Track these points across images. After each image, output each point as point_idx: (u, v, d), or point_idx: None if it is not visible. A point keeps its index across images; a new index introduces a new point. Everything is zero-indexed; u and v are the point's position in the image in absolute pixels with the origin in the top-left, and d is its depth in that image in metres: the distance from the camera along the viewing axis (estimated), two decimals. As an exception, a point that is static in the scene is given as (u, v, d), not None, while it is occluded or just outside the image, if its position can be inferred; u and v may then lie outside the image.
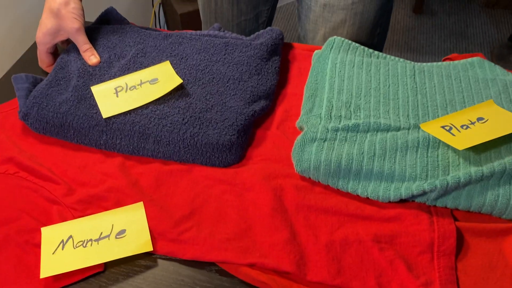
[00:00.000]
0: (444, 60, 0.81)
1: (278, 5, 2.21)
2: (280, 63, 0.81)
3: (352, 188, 0.63)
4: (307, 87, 0.74)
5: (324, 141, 0.64)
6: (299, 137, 0.66)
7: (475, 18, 2.15)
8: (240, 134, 0.69)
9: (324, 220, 0.62)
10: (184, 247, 0.60)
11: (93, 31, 0.82)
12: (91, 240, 0.60)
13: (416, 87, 0.71)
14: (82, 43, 0.77)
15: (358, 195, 0.63)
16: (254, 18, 1.02)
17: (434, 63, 0.76)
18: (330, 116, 0.68)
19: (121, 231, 0.61)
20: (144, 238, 0.60)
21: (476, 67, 0.75)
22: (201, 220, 0.62)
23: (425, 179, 0.60)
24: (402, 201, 0.63)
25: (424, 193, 0.60)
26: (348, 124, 0.66)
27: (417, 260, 0.58)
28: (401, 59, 0.77)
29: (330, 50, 0.76)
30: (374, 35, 0.91)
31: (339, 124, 0.66)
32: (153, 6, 1.97)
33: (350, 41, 0.78)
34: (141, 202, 0.63)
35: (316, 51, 0.81)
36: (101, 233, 0.60)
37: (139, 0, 1.92)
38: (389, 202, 0.62)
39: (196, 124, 0.68)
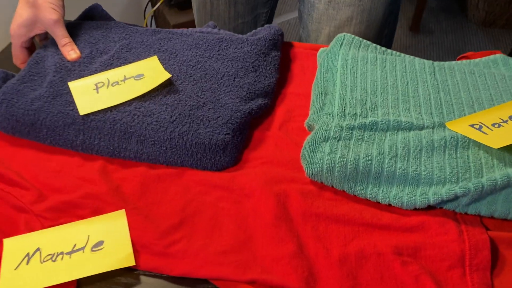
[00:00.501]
0: (459, 59, 0.75)
1: (278, 21, 2.16)
2: (281, 61, 0.74)
3: (372, 193, 0.55)
4: (316, 84, 0.67)
5: (338, 140, 0.57)
6: (309, 137, 0.58)
7: (472, 36, 2.12)
8: (236, 133, 0.61)
9: (336, 230, 0.54)
10: (172, 262, 0.51)
11: (74, 27, 0.75)
12: (62, 253, 0.51)
13: (438, 84, 0.65)
14: (61, 36, 0.69)
15: (376, 202, 0.55)
16: (252, 21, 0.96)
17: (453, 61, 0.70)
18: (344, 114, 0.60)
19: (98, 242, 0.52)
20: (125, 251, 0.51)
21: (499, 64, 0.68)
22: (193, 231, 0.54)
23: (455, 182, 0.53)
24: (425, 208, 0.55)
25: (455, 197, 0.52)
26: (365, 122, 0.58)
27: (446, 276, 0.49)
28: (417, 58, 0.70)
29: (340, 47, 0.70)
30: (382, 36, 0.84)
31: (355, 122, 0.59)
32: (145, 18, 1.91)
33: (360, 38, 0.71)
34: (123, 210, 0.55)
35: (322, 49, 0.74)
36: (75, 245, 0.51)
37: (131, 11, 1.86)
38: (414, 209, 0.54)
39: (186, 122, 0.60)
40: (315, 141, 0.57)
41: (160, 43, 0.72)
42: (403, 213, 0.55)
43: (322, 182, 0.57)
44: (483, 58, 0.70)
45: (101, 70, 0.67)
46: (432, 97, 0.63)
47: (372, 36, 0.83)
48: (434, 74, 0.66)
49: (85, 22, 0.76)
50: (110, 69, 0.67)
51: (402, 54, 0.71)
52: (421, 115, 0.60)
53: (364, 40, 0.72)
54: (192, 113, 0.61)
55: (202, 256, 0.51)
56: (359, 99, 0.62)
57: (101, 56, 0.70)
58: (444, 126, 0.59)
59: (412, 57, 0.70)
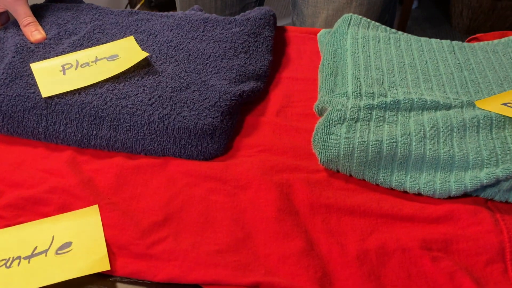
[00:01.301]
0: (469, 40, 0.68)
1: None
2: (276, 46, 0.67)
3: (398, 181, 0.47)
4: (324, 65, 0.59)
5: (355, 122, 0.49)
6: (321, 119, 0.50)
7: (458, 44, 2.09)
8: (225, 117, 0.52)
9: (351, 223, 0.45)
10: (155, 265, 0.42)
11: (40, 8, 0.67)
12: (19, 257, 0.41)
13: (460, 63, 0.59)
14: (23, 15, 0.61)
15: (398, 191, 0.47)
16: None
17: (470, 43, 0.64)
18: (360, 93, 0.53)
19: (64, 244, 0.42)
20: (98, 253, 0.41)
21: None
22: (180, 228, 0.45)
23: (495, 165, 0.45)
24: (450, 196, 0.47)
25: (496, 182, 0.44)
26: (386, 101, 0.51)
27: (485, 273, 0.42)
28: (432, 38, 0.64)
29: (348, 26, 0.63)
30: (383, 22, 0.78)
31: (373, 101, 0.51)
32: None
33: (368, 19, 0.65)
34: (96, 206, 0.46)
35: (324, 30, 0.67)
36: (35, 248, 0.42)
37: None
38: (449, 197, 0.46)
39: (167, 105, 0.52)
40: (329, 122, 0.49)
41: (137, 24, 0.64)
42: (427, 202, 0.47)
43: (338, 171, 0.49)
44: (503, 39, 0.64)
45: (69, 52, 0.58)
46: (456, 76, 0.56)
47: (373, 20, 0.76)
48: (454, 53, 0.60)
49: (53, 4, 0.68)
50: (79, 50, 0.59)
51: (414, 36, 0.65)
52: (446, 94, 0.53)
53: (373, 21, 0.65)
54: (174, 95, 0.53)
55: (193, 257, 0.42)
56: (375, 78, 0.55)
57: (70, 37, 0.61)
58: (474, 105, 0.52)
59: (426, 38, 0.64)
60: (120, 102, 0.52)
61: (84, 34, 0.61)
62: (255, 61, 0.61)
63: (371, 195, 0.48)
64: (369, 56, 0.58)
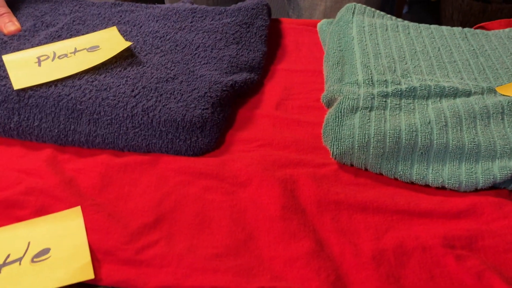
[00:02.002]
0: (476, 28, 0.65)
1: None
2: (273, 38, 0.63)
3: (419, 174, 0.43)
4: (329, 55, 0.55)
5: (370, 111, 0.45)
6: (332, 109, 0.46)
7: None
8: (216, 109, 0.48)
9: (364, 221, 0.41)
10: (146, 272, 0.37)
11: (16, 0, 0.62)
12: (-11, 267, 0.36)
13: (474, 50, 0.55)
14: None
15: (417, 185, 0.44)
16: None
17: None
18: (372, 81, 0.49)
19: (42, 251, 0.37)
20: (80, 260, 0.36)
21: None
22: (174, 230, 0.40)
23: None
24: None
25: None
26: (401, 88, 0.47)
27: (516, 271, 0.37)
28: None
29: (353, 15, 0.59)
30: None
31: (387, 89, 0.47)
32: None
33: (373, 9, 0.62)
34: (78, 207, 0.41)
35: (324, 20, 0.64)
36: (8, 256, 0.37)
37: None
38: (476, 190, 0.43)
39: (152, 96, 0.47)
40: (341, 112, 0.45)
41: (120, 15, 0.60)
42: (445, 196, 0.43)
43: (351, 165, 0.45)
44: None
45: (47, 44, 0.54)
46: (472, 62, 0.53)
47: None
48: (467, 40, 0.57)
49: None
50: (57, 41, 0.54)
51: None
52: (464, 81, 0.50)
53: (378, 11, 0.62)
54: (160, 86, 0.49)
55: (188, 262, 0.37)
56: (386, 66, 0.51)
57: (47, 29, 0.57)
58: (495, 92, 0.48)
59: (436, 25, 0.61)
60: (100, 94, 0.47)
61: (63, 25, 0.57)
62: (248, 52, 0.56)
63: (384, 189, 0.44)
64: (377, 44, 0.54)
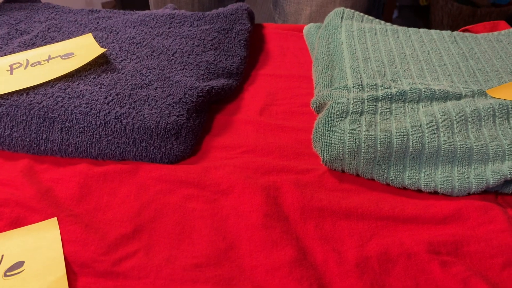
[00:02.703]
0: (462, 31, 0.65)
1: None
2: (257, 43, 0.62)
3: (411, 178, 0.42)
4: (318, 60, 0.55)
5: (360, 115, 0.44)
6: (322, 114, 0.45)
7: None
8: (191, 115, 0.48)
9: (348, 227, 0.40)
10: (124, 284, 0.36)
11: (-10, 8, 0.61)
12: (-40, 282, 0.35)
13: (464, 53, 0.55)
14: None
15: (398, 188, 0.43)
16: None
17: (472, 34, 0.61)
18: (362, 86, 0.48)
19: (15, 264, 0.36)
20: (55, 273, 0.35)
21: None
22: (153, 241, 0.39)
23: None
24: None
25: None
26: (391, 92, 0.46)
27: (503, 277, 0.37)
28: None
29: (341, 19, 0.59)
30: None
31: (377, 93, 0.47)
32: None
33: (362, 13, 0.61)
34: (55, 219, 0.39)
35: (311, 25, 0.63)
36: (-20, 270, 0.35)
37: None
38: (468, 194, 0.42)
39: (125, 103, 0.46)
40: (330, 117, 0.44)
41: (97, 22, 0.59)
42: (431, 201, 0.42)
43: (343, 171, 0.44)
44: (503, 31, 0.61)
45: (20, 52, 0.53)
46: (462, 65, 0.52)
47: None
48: (456, 43, 0.57)
49: (6, 3, 0.63)
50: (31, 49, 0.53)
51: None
52: (454, 84, 0.49)
53: (366, 15, 0.61)
54: (134, 92, 0.48)
55: (167, 273, 0.36)
56: (376, 70, 0.50)
57: (21, 36, 0.56)
58: (486, 94, 0.48)
59: (425, 29, 0.61)
60: (73, 101, 0.46)
61: (38, 33, 0.56)
62: (226, 58, 0.56)
63: (369, 195, 0.43)
64: (367, 49, 0.54)
